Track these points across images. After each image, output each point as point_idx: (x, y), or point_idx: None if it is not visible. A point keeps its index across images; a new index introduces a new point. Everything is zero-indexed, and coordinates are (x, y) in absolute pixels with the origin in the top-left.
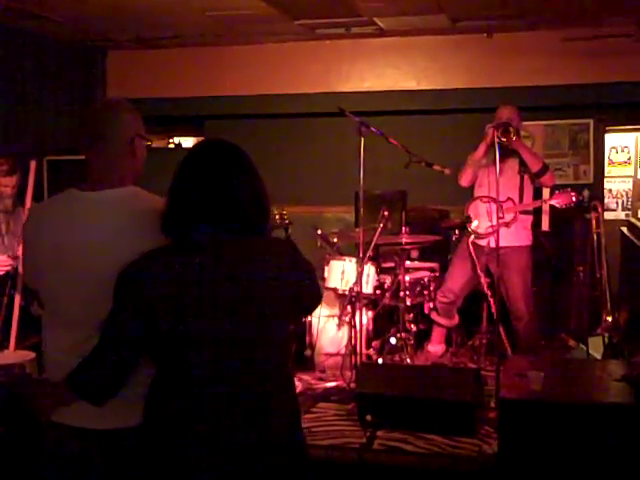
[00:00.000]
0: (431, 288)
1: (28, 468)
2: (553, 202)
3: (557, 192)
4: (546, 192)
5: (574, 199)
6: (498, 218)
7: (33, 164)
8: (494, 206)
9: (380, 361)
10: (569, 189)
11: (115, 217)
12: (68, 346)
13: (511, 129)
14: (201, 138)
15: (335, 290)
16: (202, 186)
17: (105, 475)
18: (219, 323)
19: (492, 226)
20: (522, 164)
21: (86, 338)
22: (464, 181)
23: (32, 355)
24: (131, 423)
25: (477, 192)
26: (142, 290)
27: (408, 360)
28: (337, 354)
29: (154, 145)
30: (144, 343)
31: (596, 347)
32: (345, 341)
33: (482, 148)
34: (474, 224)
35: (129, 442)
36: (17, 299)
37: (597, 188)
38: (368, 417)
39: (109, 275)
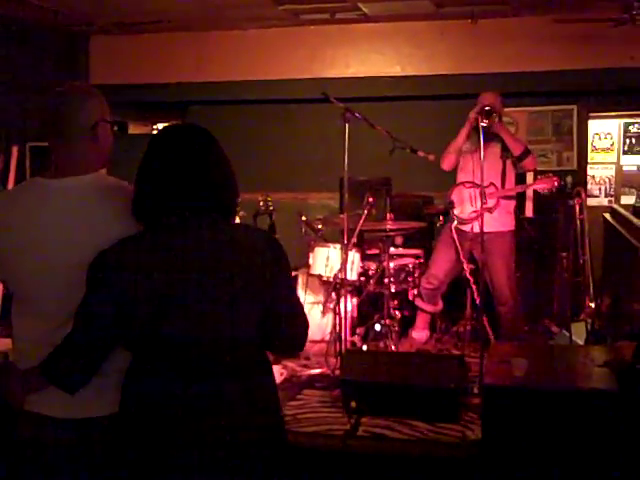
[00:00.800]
0: (415, 275)
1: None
2: (535, 187)
3: (539, 177)
4: (529, 178)
5: (556, 184)
6: (482, 203)
7: (15, 149)
8: (477, 191)
9: (364, 348)
10: (551, 174)
11: (81, 204)
12: (39, 335)
13: (493, 113)
14: None
15: (319, 277)
16: (170, 169)
17: (78, 464)
18: (191, 308)
19: (475, 211)
20: (504, 149)
21: (58, 327)
22: (446, 165)
23: None
24: (104, 412)
25: (459, 177)
26: (115, 277)
27: (392, 347)
28: (322, 341)
29: (137, 131)
30: (117, 330)
31: (579, 333)
32: (330, 328)
33: (463, 133)
34: (456, 210)
35: (103, 430)
36: (0, 287)
37: (580, 174)
38: (352, 404)
39: (78, 263)
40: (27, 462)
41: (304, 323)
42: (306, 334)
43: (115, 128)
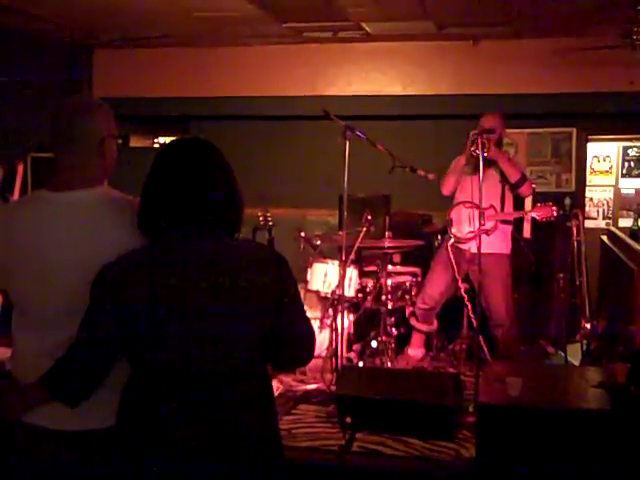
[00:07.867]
0: (413, 292)
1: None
2: (534, 214)
3: (539, 205)
4: (528, 202)
5: (555, 213)
6: (480, 225)
7: (21, 167)
8: (476, 212)
9: (361, 364)
10: (551, 203)
11: (87, 218)
12: (42, 348)
13: (486, 142)
14: None
15: (317, 293)
16: (175, 184)
17: (76, 476)
18: (193, 324)
19: (472, 231)
20: (503, 174)
21: (61, 341)
22: (446, 190)
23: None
24: (103, 424)
25: (458, 197)
26: (118, 291)
27: (388, 363)
28: (318, 357)
29: (139, 144)
30: (120, 343)
31: (574, 354)
32: (326, 344)
33: (463, 158)
34: (454, 229)
35: (101, 443)
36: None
37: (578, 196)
38: (348, 419)
39: (83, 276)
40: (23, 474)
41: (310, 341)
42: (312, 351)
43: (120, 141)
